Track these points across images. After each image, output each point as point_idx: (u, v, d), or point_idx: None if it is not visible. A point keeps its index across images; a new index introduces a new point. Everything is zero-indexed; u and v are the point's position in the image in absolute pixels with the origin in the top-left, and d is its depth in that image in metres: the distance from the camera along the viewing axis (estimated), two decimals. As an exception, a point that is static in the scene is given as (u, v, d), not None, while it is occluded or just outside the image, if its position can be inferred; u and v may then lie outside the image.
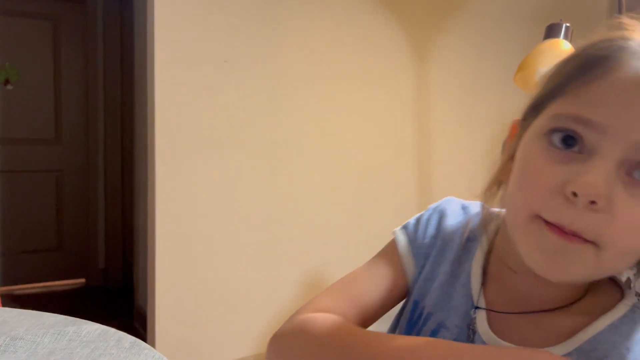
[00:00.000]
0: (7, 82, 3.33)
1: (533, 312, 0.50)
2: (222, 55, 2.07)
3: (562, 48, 1.46)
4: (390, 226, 0.65)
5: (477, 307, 0.53)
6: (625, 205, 0.41)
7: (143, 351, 0.66)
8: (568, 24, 1.51)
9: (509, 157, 0.51)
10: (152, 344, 1.98)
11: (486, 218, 0.58)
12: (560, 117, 0.44)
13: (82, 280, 3.60)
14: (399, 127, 2.53)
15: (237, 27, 2.11)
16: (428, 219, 0.61)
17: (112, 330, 0.74)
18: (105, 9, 3.47)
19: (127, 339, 0.70)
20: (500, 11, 2.81)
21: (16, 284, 3.41)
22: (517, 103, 0.52)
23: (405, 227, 0.62)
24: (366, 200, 2.45)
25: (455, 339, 0.52)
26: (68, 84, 3.50)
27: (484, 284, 0.54)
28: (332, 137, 2.35)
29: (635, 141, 0.41)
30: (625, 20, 0.46)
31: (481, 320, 0.52)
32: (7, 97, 3.32)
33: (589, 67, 0.44)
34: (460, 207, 0.61)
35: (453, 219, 0.60)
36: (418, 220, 0.62)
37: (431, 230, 0.60)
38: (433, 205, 0.63)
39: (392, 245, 0.62)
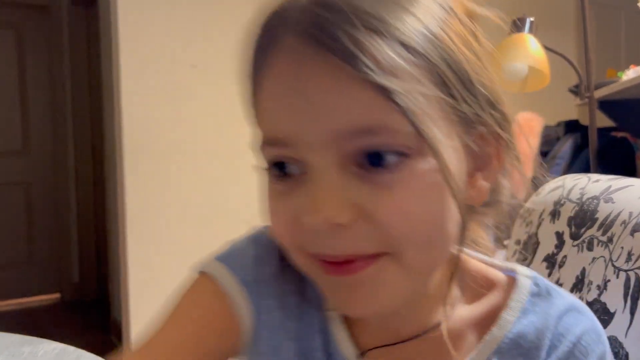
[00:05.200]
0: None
1: (410, 339, 0.39)
2: (189, 59, 2.04)
3: (527, 43, 1.47)
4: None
5: (362, 353, 0.40)
6: (375, 200, 0.32)
7: (102, 369, 0.64)
8: (532, 18, 1.52)
9: None
10: (128, 357, 1.94)
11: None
12: (262, 149, 0.36)
13: (57, 295, 3.52)
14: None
15: (203, 31, 2.08)
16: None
17: (71, 348, 0.71)
18: (70, 16, 3.39)
19: (87, 357, 0.68)
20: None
21: (-13, 301, 3.32)
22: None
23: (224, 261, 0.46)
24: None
25: None
26: (34, 93, 3.41)
27: (351, 332, 0.41)
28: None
29: (333, 134, 0.31)
30: None
31: None
32: (-30, 109, 3.24)
33: (253, 70, 0.37)
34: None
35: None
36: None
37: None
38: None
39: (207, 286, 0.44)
